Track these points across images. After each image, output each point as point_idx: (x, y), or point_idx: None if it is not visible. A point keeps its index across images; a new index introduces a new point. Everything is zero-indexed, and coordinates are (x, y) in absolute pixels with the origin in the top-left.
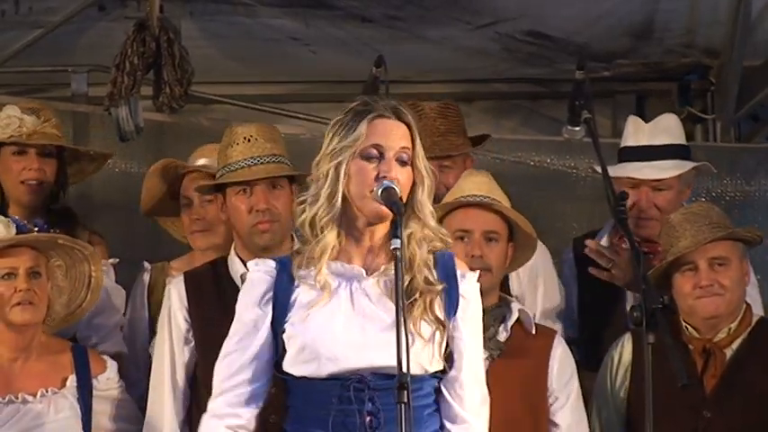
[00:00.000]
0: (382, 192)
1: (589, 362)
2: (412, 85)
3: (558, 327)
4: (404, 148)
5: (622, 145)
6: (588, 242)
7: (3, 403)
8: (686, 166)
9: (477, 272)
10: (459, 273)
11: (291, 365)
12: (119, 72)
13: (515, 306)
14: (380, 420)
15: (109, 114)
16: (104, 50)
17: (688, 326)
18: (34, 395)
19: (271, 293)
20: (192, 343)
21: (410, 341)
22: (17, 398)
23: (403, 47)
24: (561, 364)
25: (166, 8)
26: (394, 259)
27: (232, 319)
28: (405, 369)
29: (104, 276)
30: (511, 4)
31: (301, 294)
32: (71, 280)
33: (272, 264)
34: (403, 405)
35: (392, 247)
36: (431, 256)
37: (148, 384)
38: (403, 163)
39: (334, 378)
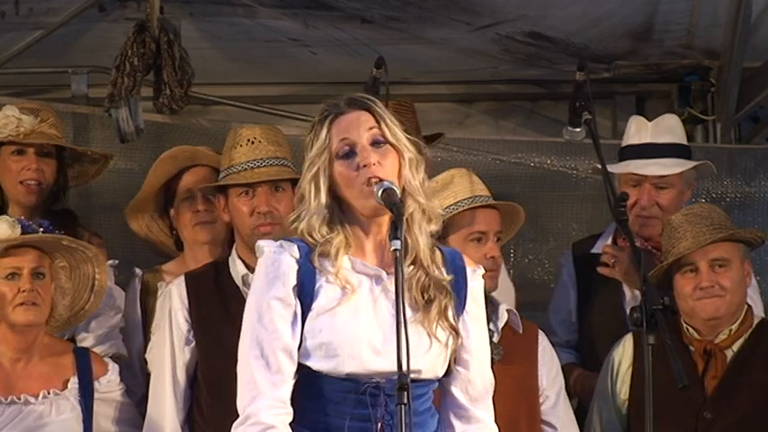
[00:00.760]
0: (382, 193)
1: (586, 364)
2: (412, 86)
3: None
4: (371, 129)
5: (625, 144)
6: (603, 247)
7: (5, 404)
8: (689, 164)
9: (482, 269)
10: (468, 270)
11: (309, 358)
12: (119, 73)
13: (503, 307)
14: (392, 426)
15: (109, 116)
16: (104, 52)
17: (689, 327)
18: (36, 396)
19: (297, 279)
20: (193, 343)
21: (427, 345)
22: (19, 399)
23: (403, 48)
24: (548, 359)
25: (166, 9)
26: (394, 260)
27: (232, 320)
28: (405, 370)
29: None
30: (511, 5)
31: (324, 285)
32: (75, 281)
33: (295, 248)
34: (403, 406)
35: (392, 248)
36: (438, 253)
37: (144, 389)
38: (379, 143)
39: (351, 379)
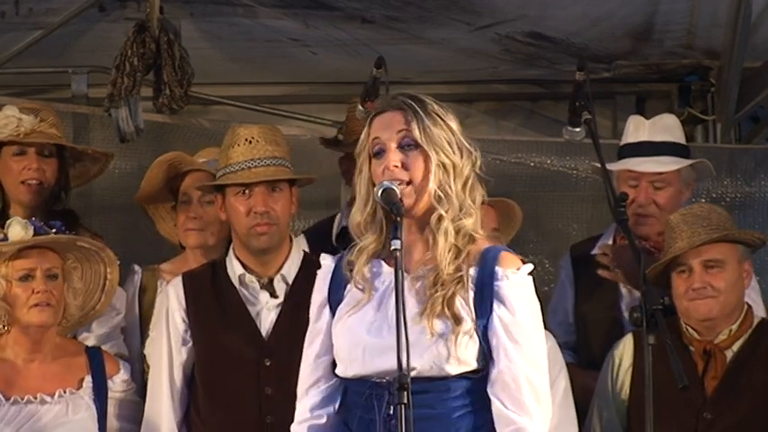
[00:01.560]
0: (382, 193)
1: (583, 364)
2: (412, 86)
3: None
4: (400, 131)
5: (623, 142)
6: (599, 247)
7: (21, 404)
8: (685, 162)
9: (521, 271)
10: (498, 270)
11: (336, 366)
12: (119, 73)
13: None
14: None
15: (109, 115)
16: (104, 51)
17: (688, 327)
18: (52, 396)
19: (328, 288)
20: (191, 343)
21: (422, 339)
22: (35, 398)
23: (403, 48)
24: (550, 360)
25: (166, 9)
26: (394, 260)
27: (229, 320)
28: (404, 370)
29: None
30: (511, 5)
31: (349, 294)
32: (86, 282)
33: (329, 262)
34: (402, 406)
35: (392, 248)
36: (471, 246)
37: (140, 386)
38: (409, 146)
39: (361, 379)
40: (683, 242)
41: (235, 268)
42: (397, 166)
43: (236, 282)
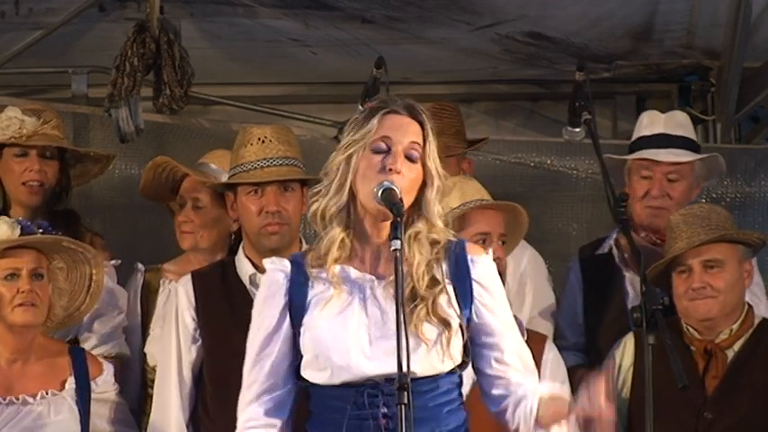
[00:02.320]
0: (382, 192)
1: (593, 365)
2: (412, 86)
3: (549, 329)
4: (413, 143)
5: (637, 136)
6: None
7: (3, 404)
8: (701, 155)
9: (487, 254)
10: (470, 258)
11: (307, 372)
12: (119, 73)
13: None
14: (396, 423)
15: (109, 116)
16: (104, 52)
17: (689, 327)
18: (34, 396)
19: (287, 296)
20: (199, 342)
21: (414, 345)
22: (17, 399)
23: (403, 48)
24: (553, 369)
25: (166, 9)
26: (394, 260)
27: (239, 319)
28: (405, 370)
29: (106, 278)
30: (511, 5)
31: (315, 296)
32: (71, 282)
33: (286, 263)
34: (403, 406)
35: (392, 248)
36: (441, 250)
37: (142, 386)
38: (412, 159)
39: (347, 385)
40: (682, 242)
41: (245, 268)
42: (399, 172)
43: (246, 281)
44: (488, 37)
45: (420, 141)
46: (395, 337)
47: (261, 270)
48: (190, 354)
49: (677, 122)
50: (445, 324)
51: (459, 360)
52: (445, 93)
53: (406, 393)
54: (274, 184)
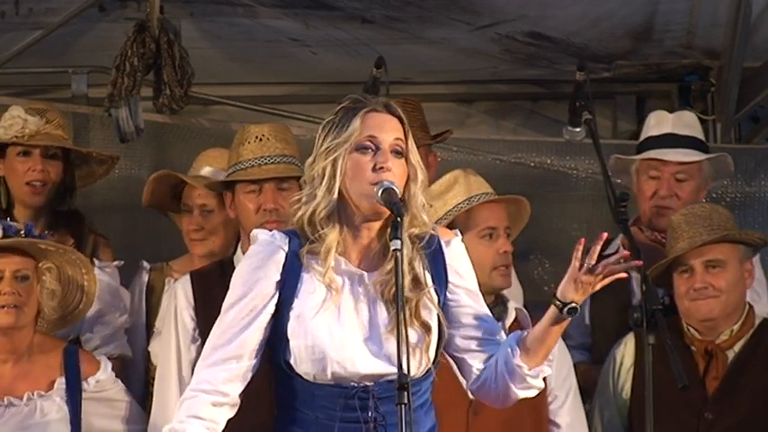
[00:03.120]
0: (382, 192)
1: (598, 364)
2: (412, 86)
3: None
4: (397, 139)
5: (645, 136)
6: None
7: None
8: (710, 155)
9: (456, 236)
10: (443, 243)
11: (295, 362)
12: (119, 73)
13: (512, 305)
14: (385, 427)
15: (109, 116)
16: (104, 51)
17: (690, 327)
18: (20, 398)
19: (281, 274)
20: (199, 341)
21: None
22: (3, 400)
23: (403, 48)
24: (558, 360)
25: (166, 9)
26: (394, 260)
27: None
28: (405, 370)
29: (109, 278)
30: (511, 5)
31: (307, 284)
32: (64, 283)
33: (285, 241)
34: (403, 406)
35: (393, 248)
36: (419, 244)
37: (145, 384)
38: (398, 155)
39: (338, 384)
40: (684, 242)
41: None
42: (390, 170)
43: None
44: (488, 37)
45: (402, 137)
46: (383, 338)
47: None
48: (189, 353)
49: (685, 122)
50: (426, 328)
51: (433, 358)
52: (445, 93)
53: (405, 393)
54: (272, 181)
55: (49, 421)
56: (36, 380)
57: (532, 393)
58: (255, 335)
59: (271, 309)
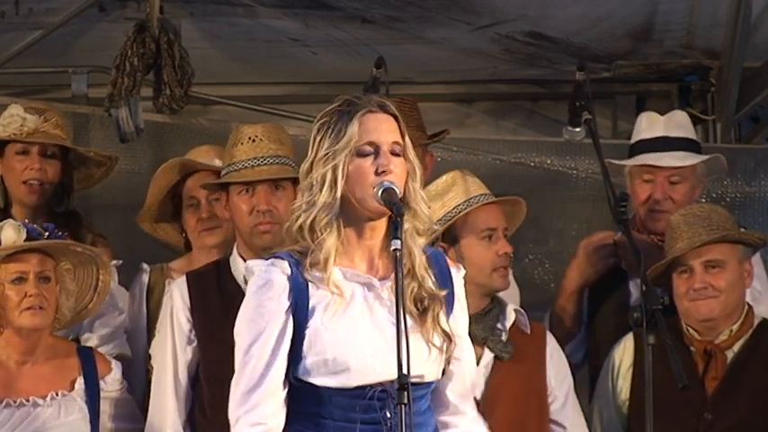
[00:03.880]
0: (382, 192)
1: (596, 365)
2: (412, 86)
3: None
4: (395, 141)
5: (636, 139)
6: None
7: (14, 407)
8: (702, 156)
9: (463, 269)
10: (453, 271)
11: (314, 375)
12: (119, 73)
13: (510, 307)
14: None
15: (109, 115)
16: (104, 51)
17: (689, 327)
18: (44, 398)
19: (290, 298)
20: (195, 342)
21: (425, 350)
22: (27, 401)
23: (403, 48)
24: (556, 359)
25: (166, 9)
26: (394, 259)
27: (235, 319)
28: (405, 370)
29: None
30: (511, 5)
31: (316, 298)
32: (79, 283)
33: (286, 265)
34: (403, 406)
35: (392, 248)
36: (424, 256)
37: (144, 386)
38: (396, 155)
39: (359, 388)
40: (683, 243)
41: (239, 267)
42: (392, 171)
43: (241, 281)
44: (488, 37)
45: (399, 137)
46: (404, 341)
47: None
48: (185, 354)
49: (677, 123)
50: (447, 336)
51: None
52: (445, 93)
53: (405, 393)
54: (265, 183)
55: (72, 421)
56: (57, 381)
57: None
58: (282, 365)
59: (289, 335)
